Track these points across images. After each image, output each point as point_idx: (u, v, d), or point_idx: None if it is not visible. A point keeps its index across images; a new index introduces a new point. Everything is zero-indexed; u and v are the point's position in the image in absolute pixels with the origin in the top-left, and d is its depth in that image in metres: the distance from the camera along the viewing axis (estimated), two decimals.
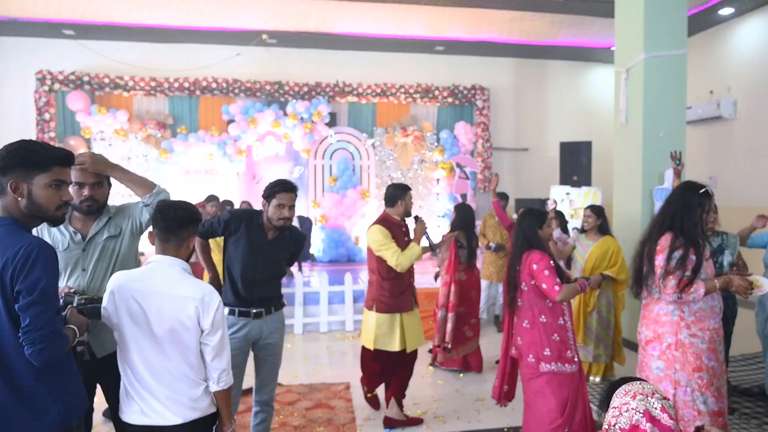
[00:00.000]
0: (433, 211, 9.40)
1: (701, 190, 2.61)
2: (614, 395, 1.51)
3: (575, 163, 7.97)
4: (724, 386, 2.65)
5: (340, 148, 9.13)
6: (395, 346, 3.53)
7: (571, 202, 6.54)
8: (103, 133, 8.44)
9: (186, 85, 8.54)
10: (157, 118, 8.57)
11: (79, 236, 2.25)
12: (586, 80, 10.07)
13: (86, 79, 8.27)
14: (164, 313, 1.79)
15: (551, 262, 2.75)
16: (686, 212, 2.59)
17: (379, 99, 9.20)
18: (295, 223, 7.44)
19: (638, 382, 1.52)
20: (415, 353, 3.71)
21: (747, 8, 7.42)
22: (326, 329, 6.06)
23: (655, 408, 1.42)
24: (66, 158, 1.70)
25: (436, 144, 9.40)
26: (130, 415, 1.84)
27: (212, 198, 6.13)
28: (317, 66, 9.07)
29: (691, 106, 8.21)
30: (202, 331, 1.83)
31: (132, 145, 8.54)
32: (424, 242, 3.58)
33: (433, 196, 9.45)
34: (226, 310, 2.89)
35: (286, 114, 8.67)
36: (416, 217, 3.66)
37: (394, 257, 3.37)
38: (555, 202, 4.63)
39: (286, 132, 8.68)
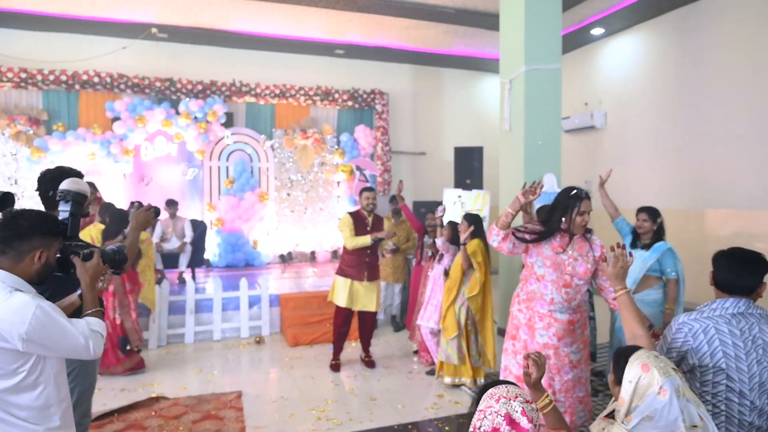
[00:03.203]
0: (333, 214, 9.41)
1: (572, 192, 2.92)
2: (482, 398, 1.55)
3: (468, 167, 8.34)
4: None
5: (238, 150, 8.86)
6: (342, 302, 4.74)
7: (462, 204, 6.84)
8: None
9: (63, 78, 7.83)
10: (29, 113, 7.78)
11: None
12: (477, 88, 10.60)
13: None
14: None
15: None
16: (559, 211, 2.89)
17: (278, 100, 9.04)
18: (188, 227, 7.13)
19: (504, 386, 1.55)
20: (372, 316, 4.93)
21: (615, 29, 8.24)
22: (220, 337, 5.84)
23: (516, 411, 1.45)
24: None
25: (336, 147, 9.42)
26: None
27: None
28: (212, 64, 8.74)
29: (570, 116, 8.96)
30: (23, 352, 1.61)
31: None
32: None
33: (334, 199, 9.47)
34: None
35: (178, 113, 8.24)
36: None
37: (344, 238, 4.75)
38: (445, 209, 4.77)
39: (178, 132, 8.26)
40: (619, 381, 1.72)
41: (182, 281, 6.84)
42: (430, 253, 5.09)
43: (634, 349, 1.77)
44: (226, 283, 6.45)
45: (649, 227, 4.01)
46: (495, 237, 2.95)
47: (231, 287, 6.25)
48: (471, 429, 1.51)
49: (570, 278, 2.85)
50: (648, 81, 7.86)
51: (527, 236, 2.95)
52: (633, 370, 1.67)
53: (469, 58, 9.81)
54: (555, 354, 2.88)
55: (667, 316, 3.86)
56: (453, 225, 4.72)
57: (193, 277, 7.01)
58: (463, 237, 4.18)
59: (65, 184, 2.14)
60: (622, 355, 1.76)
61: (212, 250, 8.42)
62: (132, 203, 2.82)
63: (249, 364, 5.08)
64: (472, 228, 4.18)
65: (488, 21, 7.76)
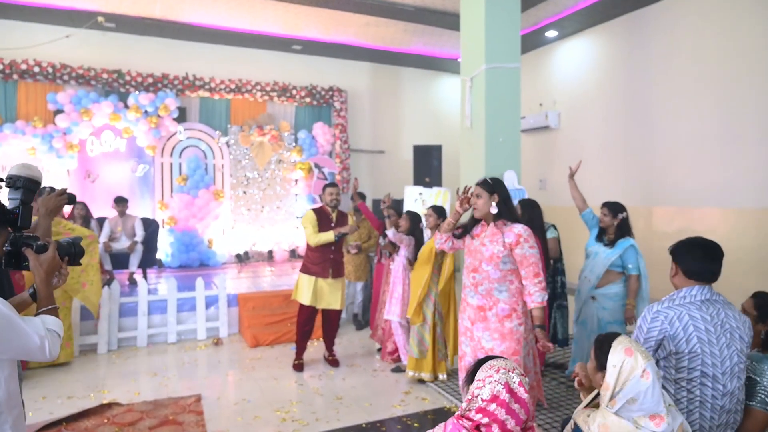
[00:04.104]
0: (291, 212, 9.25)
1: None
2: (480, 369, 1.60)
3: (427, 166, 8.39)
4: (466, 346, 3.11)
5: (191, 146, 8.56)
6: (306, 301, 4.60)
7: (423, 202, 6.87)
8: None
9: None
10: None
11: None
12: (435, 88, 10.68)
13: None
14: None
15: None
16: None
17: (233, 95, 8.80)
18: (139, 225, 6.81)
19: (502, 359, 1.62)
20: (337, 314, 4.80)
21: (568, 32, 8.48)
22: (175, 339, 5.60)
23: (514, 381, 1.53)
24: None
25: (294, 144, 9.26)
26: None
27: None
28: (164, 56, 8.40)
29: (525, 116, 9.15)
30: None
31: None
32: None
33: (291, 197, 9.30)
34: None
35: (127, 106, 7.87)
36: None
37: (307, 235, 4.62)
38: (389, 198, 4.72)
39: (127, 126, 7.89)
40: (602, 367, 1.75)
41: (133, 282, 6.53)
42: (388, 254, 5.05)
43: (615, 335, 1.80)
44: (181, 283, 6.20)
45: (610, 222, 4.11)
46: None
47: (185, 288, 6.01)
48: (469, 397, 1.57)
49: (478, 263, 2.99)
50: (599, 83, 8.13)
51: (457, 231, 3.21)
52: (617, 354, 1.71)
53: (427, 58, 9.86)
54: (470, 336, 3.08)
55: (628, 311, 3.97)
56: (411, 215, 4.70)
57: (145, 278, 6.70)
58: (432, 226, 4.20)
59: (15, 169, 1.94)
60: (605, 342, 1.78)
61: (164, 249, 8.09)
62: (43, 188, 2.53)
63: (207, 367, 4.89)
64: (441, 220, 4.20)
65: (447, 20, 7.82)
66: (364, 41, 9.00)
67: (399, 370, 4.59)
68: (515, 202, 5.39)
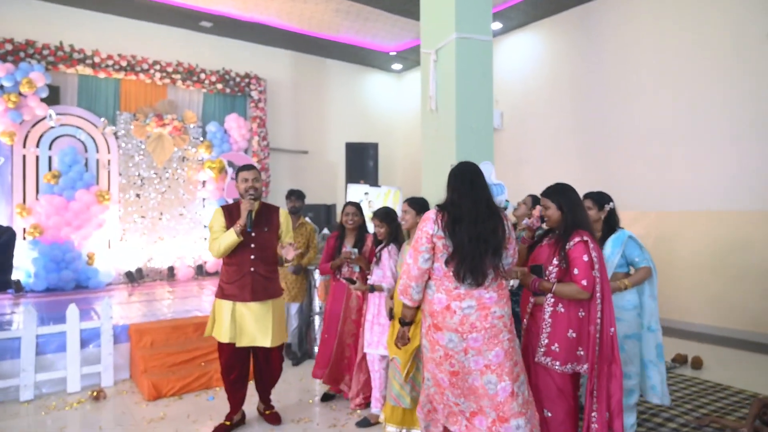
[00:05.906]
0: (198, 221, 7.68)
1: None
2: None
3: (362, 166, 7.38)
4: None
5: (66, 135, 6.75)
6: (224, 336, 3.19)
7: (370, 203, 5.78)
8: None
9: None
10: None
11: None
12: (365, 84, 9.71)
13: None
14: None
15: None
16: None
17: (124, 75, 7.12)
18: None
19: None
20: (276, 351, 3.37)
21: (512, 26, 7.87)
22: (32, 395, 3.91)
23: None
24: None
25: (201, 138, 7.72)
26: None
27: None
28: (29, 19, 6.57)
29: None
30: None
31: None
32: None
33: (198, 202, 7.73)
34: None
35: None
36: None
37: (209, 244, 3.24)
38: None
39: None
40: None
41: None
42: (356, 269, 3.82)
43: None
44: (47, 312, 4.54)
45: (596, 216, 3.29)
46: None
47: (52, 319, 4.36)
48: None
49: None
50: (548, 81, 7.57)
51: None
52: None
53: (356, 49, 8.83)
54: None
55: (621, 283, 3.07)
56: (385, 215, 3.54)
57: None
58: (410, 227, 3.08)
59: None
60: None
61: (26, 267, 6.20)
62: None
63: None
64: (419, 217, 3.09)
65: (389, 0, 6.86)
66: (287, 23, 7.76)
67: (367, 423, 3.36)
68: (499, 197, 4.45)
